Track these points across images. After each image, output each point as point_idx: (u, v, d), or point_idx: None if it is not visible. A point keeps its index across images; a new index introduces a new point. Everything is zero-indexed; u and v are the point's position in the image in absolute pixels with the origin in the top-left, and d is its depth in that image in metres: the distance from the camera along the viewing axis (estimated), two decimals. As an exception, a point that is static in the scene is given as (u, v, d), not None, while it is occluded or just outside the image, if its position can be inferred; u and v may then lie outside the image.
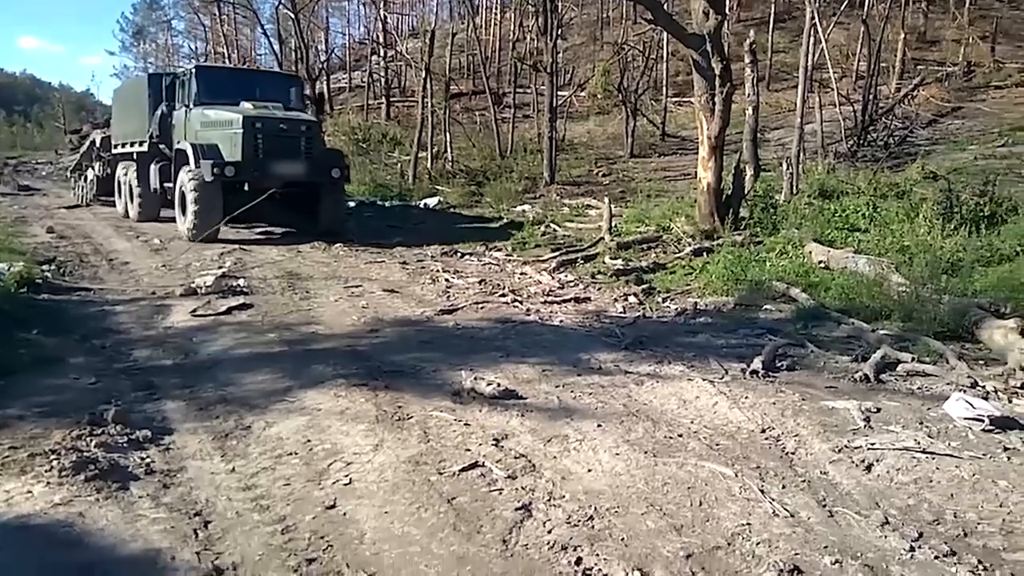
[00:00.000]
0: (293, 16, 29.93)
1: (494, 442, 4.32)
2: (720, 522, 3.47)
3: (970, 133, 21.86)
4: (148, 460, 4.11)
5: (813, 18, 18.85)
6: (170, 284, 8.92)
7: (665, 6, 14.45)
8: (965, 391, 5.11)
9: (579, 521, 3.46)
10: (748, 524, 3.44)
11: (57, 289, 8.50)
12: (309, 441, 4.34)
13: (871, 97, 22.25)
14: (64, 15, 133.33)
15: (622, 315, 7.68)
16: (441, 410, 4.82)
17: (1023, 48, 29.77)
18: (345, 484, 3.83)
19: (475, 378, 5.27)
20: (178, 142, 13.74)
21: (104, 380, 5.40)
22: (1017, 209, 10.46)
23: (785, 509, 3.56)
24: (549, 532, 3.38)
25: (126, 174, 16.40)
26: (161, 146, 14.55)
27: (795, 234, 10.25)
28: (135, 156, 15.92)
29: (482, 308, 7.87)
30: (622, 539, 3.32)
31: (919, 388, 5.37)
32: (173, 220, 14.07)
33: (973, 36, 29.20)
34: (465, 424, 4.59)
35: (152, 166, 14.84)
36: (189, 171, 12.63)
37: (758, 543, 3.29)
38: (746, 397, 5.06)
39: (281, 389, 5.22)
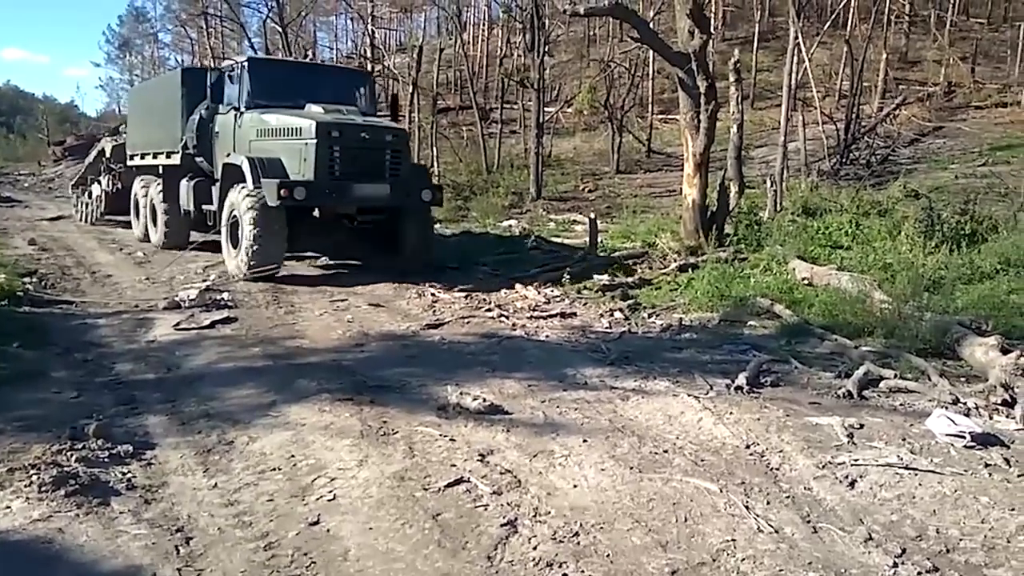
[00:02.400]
0: (281, 30, 29.90)
1: (480, 457, 4.31)
2: (705, 538, 3.47)
3: (951, 152, 22.13)
4: (130, 475, 4.07)
5: (797, 38, 19.07)
6: (153, 297, 8.88)
7: (651, 25, 14.57)
8: (947, 408, 5.14)
9: (565, 537, 3.45)
10: (733, 540, 3.44)
11: (38, 302, 8.43)
12: (293, 456, 4.32)
13: (854, 116, 22.49)
14: (49, 26, 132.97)
15: (608, 330, 7.69)
16: (426, 425, 4.80)
17: (1002, 69, 30.21)
18: (329, 500, 3.81)
19: (461, 393, 5.26)
20: (226, 155, 10.97)
21: (85, 394, 5.37)
22: (997, 227, 10.59)
23: (770, 525, 3.57)
24: (535, 548, 3.37)
25: (146, 191, 14.01)
26: (198, 159, 11.97)
27: (779, 251, 10.31)
28: (160, 170, 13.39)
29: (468, 323, 7.86)
30: (608, 555, 3.31)
31: (902, 404, 5.40)
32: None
33: (953, 57, 29.60)
34: (450, 439, 4.57)
35: (184, 182, 12.23)
36: (246, 192, 9.86)
37: (743, 559, 3.29)
38: (731, 413, 5.07)
39: (265, 404, 5.19)
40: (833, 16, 28.61)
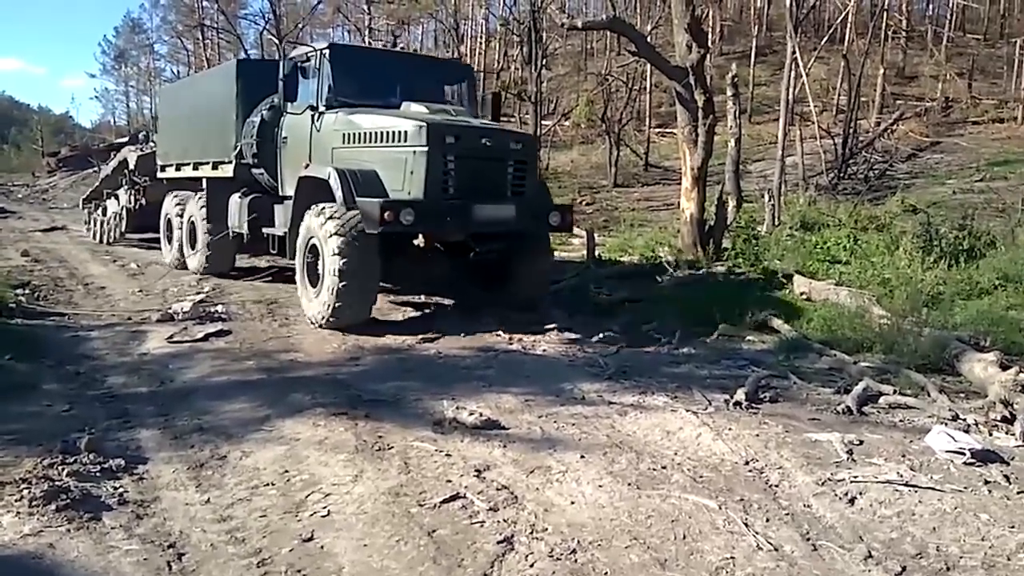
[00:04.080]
0: (277, 42, 29.97)
1: (476, 473, 4.27)
2: (704, 556, 3.43)
3: (948, 167, 22.20)
4: (121, 490, 4.03)
5: (794, 53, 19.14)
6: (147, 310, 8.84)
7: (649, 39, 14.62)
8: (946, 424, 5.12)
9: (562, 554, 3.41)
10: (732, 558, 3.40)
11: (31, 314, 8.39)
12: (287, 471, 4.27)
13: (851, 131, 22.57)
14: (47, 36, 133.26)
15: (605, 345, 7.65)
16: (422, 440, 4.76)
17: (999, 84, 30.37)
18: (323, 516, 3.76)
19: (457, 408, 5.22)
20: (303, 165, 8.81)
21: (77, 407, 5.32)
22: (995, 243, 10.59)
23: (769, 543, 3.53)
24: (531, 566, 3.33)
25: (182, 208, 12.13)
26: (256, 171, 10.02)
27: (777, 265, 10.30)
28: (203, 183, 11.36)
29: (464, 336, 7.82)
30: (605, 573, 3.28)
31: (901, 421, 5.37)
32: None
33: (950, 72, 29.76)
34: (446, 455, 4.53)
35: (236, 199, 10.33)
36: (330, 214, 7.73)
37: (742, 578, 3.25)
38: (729, 429, 5.03)
39: (258, 418, 5.15)
40: (831, 31, 28.75)
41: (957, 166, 22.09)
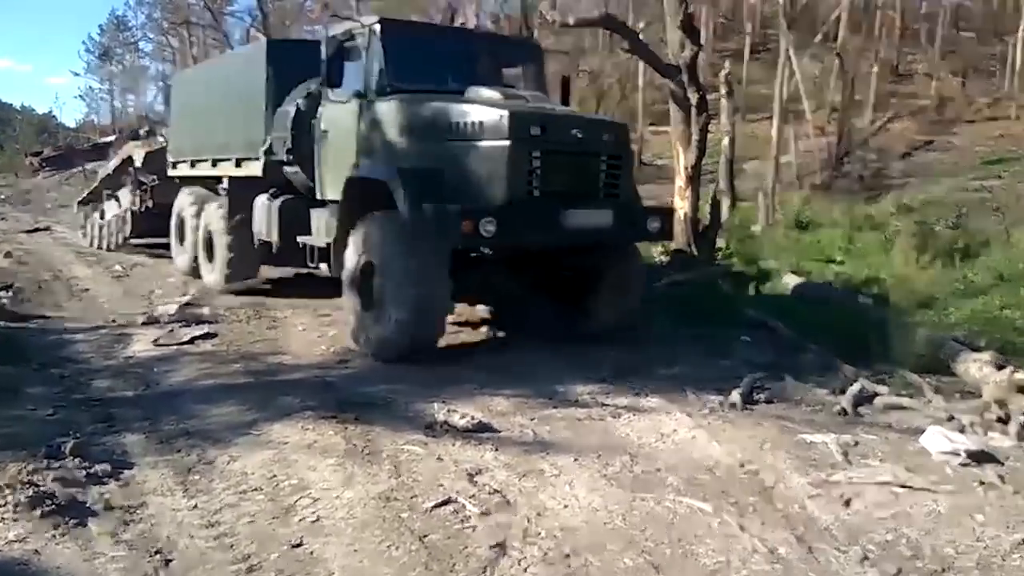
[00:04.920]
0: (265, 39, 29.89)
1: (468, 477, 4.23)
2: (699, 559, 3.41)
3: (943, 166, 22.26)
4: (107, 495, 3.98)
5: (788, 50, 19.15)
6: (132, 312, 8.76)
7: (642, 36, 14.59)
8: (942, 425, 5.10)
9: (555, 559, 3.38)
10: (727, 561, 3.38)
11: (14, 316, 8.32)
12: (275, 476, 4.22)
13: (845, 129, 22.62)
14: (33, 34, 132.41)
15: (599, 344, 7.60)
16: (413, 444, 4.71)
17: (992, 83, 30.47)
18: (312, 521, 3.72)
19: (448, 411, 5.17)
20: (352, 165, 7.32)
21: (62, 411, 5.26)
22: (989, 242, 10.61)
23: (764, 545, 3.51)
24: (525, 571, 3.30)
25: (198, 211, 10.72)
26: (289, 168, 8.61)
27: (772, 264, 10.30)
28: (224, 183, 10.04)
29: (455, 337, 7.77)
30: (599, 578, 3.24)
31: (896, 421, 5.36)
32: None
33: (944, 71, 29.84)
34: (438, 458, 4.49)
35: (263, 201, 9.02)
36: (388, 222, 6.57)
37: (737, 582, 3.23)
38: (724, 430, 5.01)
39: (246, 422, 5.10)
40: (824, 29, 28.80)
41: (951, 164, 22.15)
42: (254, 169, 9.15)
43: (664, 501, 3.96)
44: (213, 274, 10.10)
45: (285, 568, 3.29)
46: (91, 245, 15.84)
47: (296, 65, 8.71)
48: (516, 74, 8.68)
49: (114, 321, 8.38)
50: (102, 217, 15.58)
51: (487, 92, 6.99)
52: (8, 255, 13.54)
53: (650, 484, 4.18)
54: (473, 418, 5.05)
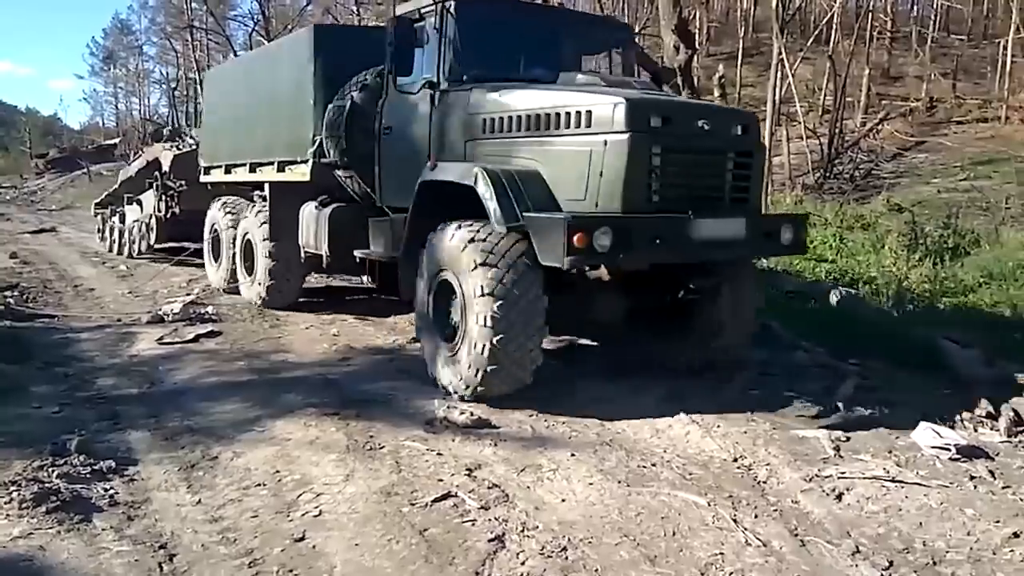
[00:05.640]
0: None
1: (467, 472, 4.28)
2: (694, 552, 3.46)
3: (933, 167, 22.34)
4: (112, 491, 4.02)
5: (780, 53, 19.24)
6: (136, 311, 8.80)
7: (636, 39, 14.66)
8: (932, 420, 5.16)
9: (553, 552, 3.43)
10: (721, 554, 3.44)
11: (20, 315, 8.35)
12: (278, 472, 4.28)
13: (837, 131, 22.70)
14: (35, 38, 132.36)
15: (597, 343, 7.66)
16: (413, 439, 4.77)
17: (982, 85, 30.57)
18: (315, 516, 3.77)
19: (448, 407, 5.23)
20: (428, 165, 6.24)
21: (67, 409, 5.30)
22: (979, 241, 10.70)
23: (758, 539, 3.57)
24: (523, 563, 3.35)
25: (234, 220, 9.85)
26: (342, 172, 7.60)
27: (763, 263, 10.35)
28: (265, 189, 9.09)
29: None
30: (596, 570, 3.30)
31: (887, 417, 5.41)
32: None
33: (935, 73, 29.94)
34: (438, 454, 4.55)
35: (311, 209, 8.07)
36: (480, 237, 5.40)
37: (731, 573, 3.29)
38: (718, 426, 5.06)
39: (249, 419, 5.15)
40: (816, 32, 28.88)
41: (942, 165, 22.23)
42: (300, 173, 8.16)
43: (659, 495, 4.01)
44: (253, 290, 9.26)
45: (288, 562, 3.33)
46: (110, 250, 15.27)
47: (347, 55, 7.68)
48: (596, 61, 7.54)
49: (119, 320, 8.41)
50: (122, 221, 14.93)
51: (585, 78, 6.07)
52: (14, 255, 13.56)
53: (646, 478, 4.24)
54: (472, 414, 5.11)
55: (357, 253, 7.39)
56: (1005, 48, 26.93)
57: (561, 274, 5.37)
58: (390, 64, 6.68)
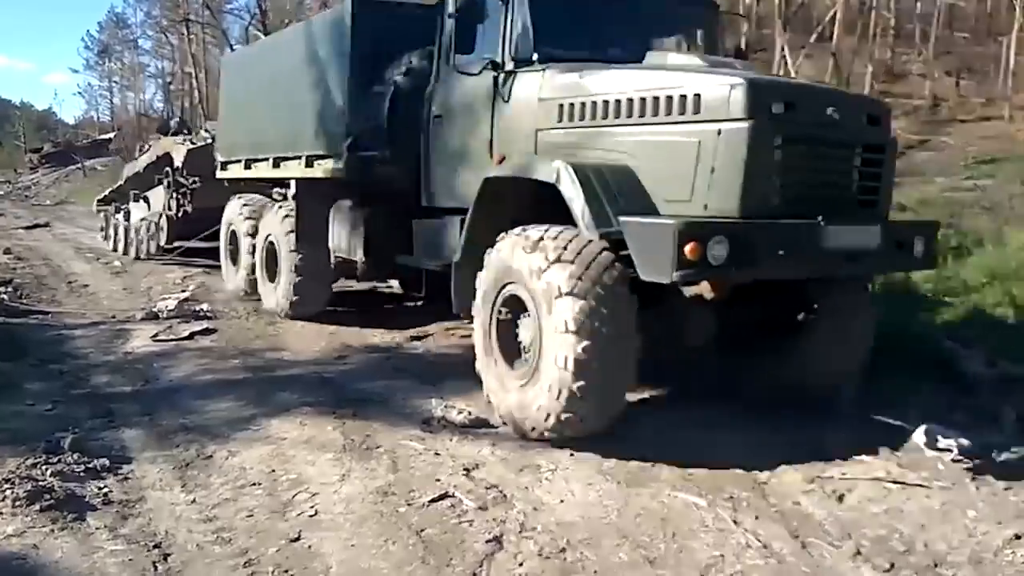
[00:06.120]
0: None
1: (465, 472, 4.26)
2: (694, 554, 3.43)
3: (937, 165, 22.30)
4: (106, 490, 4.00)
5: (783, 50, 19.21)
6: (131, 308, 8.80)
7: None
8: (934, 421, 5.12)
9: (551, 553, 3.41)
10: (722, 556, 3.41)
11: (13, 312, 8.35)
12: (273, 471, 4.26)
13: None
14: (32, 32, 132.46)
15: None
16: (410, 439, 4.74)
17: (986, 83, 30.55)
18: (310, 516, 3.75)
19: (446, 406, 5.20)
20: (497, 159, 5.55)
21: (61, 406, 5.30)
22: (983, 241, 10.64)
23: (758, 540, 3.54)
24: (520, 565, 3.32)
25: (254, 222, 9.07)
26: (385, 168, 6.77)
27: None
28: (294, 187, 8.21)
29: (453, 334, 7.79)
30: (595, 572, 3.27)
31: (890, 418, 5.37)
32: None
33: (938, 71, 29.91)
34: (435, 454, 4.52)
35: (345, 208, 7.37)
36: (563, 249, 4.44)
37: (732, 575, 3.25)
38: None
39: (245, 417, 5.13)
40: (819, 29, 28.86)
41: (945, 164, 22.20)
42: (333, 169, 7.25)
43: (659, 496, 3.99)
44: (275, 298, 8.40)
45: (283, 562, 3.31)
46: (114, 250, 14.60)
47: (389, 34, 6.81)
48: (675, 41, 6.45)
49: (113, 317, 8.41)
50: (127, 219, 14.24)
51: (680, 58, 5.30)
52: (7, 251, 13.57)
53: (645, 479, 4.21)
54: (470, 413, 5.08)
55: (401, 260, 6.73)
56: (1009, 46, 26.89)
57: (649, 286, 4.42)
58: (447, 41, 5.97)
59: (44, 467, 4.13)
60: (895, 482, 4.17)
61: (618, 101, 4.84)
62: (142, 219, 13.52)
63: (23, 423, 4.89)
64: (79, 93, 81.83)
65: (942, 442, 4.64)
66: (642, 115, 4.72)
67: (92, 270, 12.04)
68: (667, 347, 5.20)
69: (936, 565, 3.39)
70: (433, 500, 3.90)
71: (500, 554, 3.40)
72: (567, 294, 4.28)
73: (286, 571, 3.24)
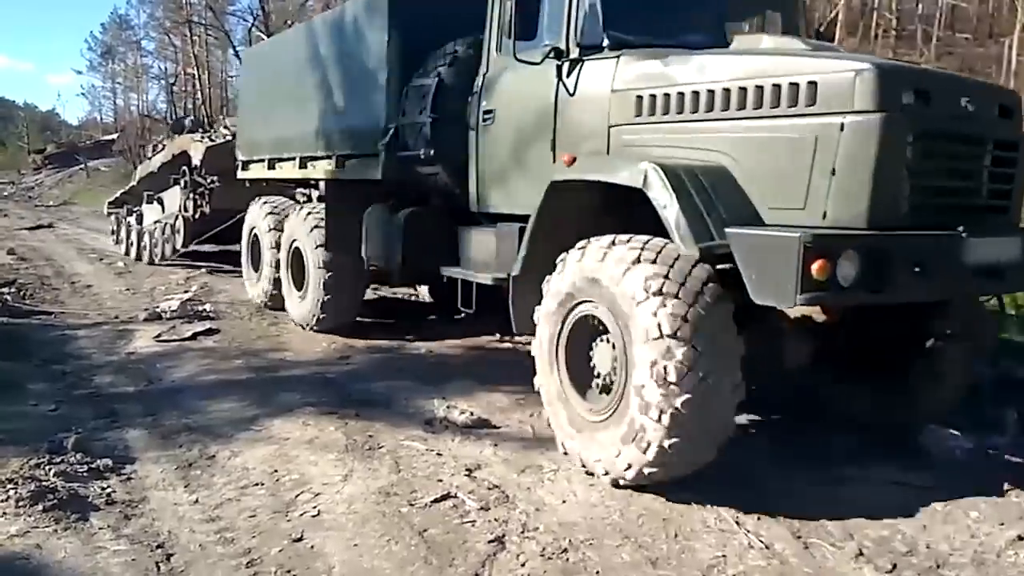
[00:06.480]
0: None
1: (467, 472, 4.26)
2: (696, 554, 3.43)
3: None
4: (109, 490, 4.00)
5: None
6: (134, 308, 8.81)
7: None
8: (936, 423, 5.11)
9: (553, 554, 3.40)
10: (724, 556, 3.41)
11: (17, 312, 8.36)
12: (276, 471, 4.26)
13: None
14: (33, 33, 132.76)
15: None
16: (413, 439, 4.75)
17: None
18: (313, 516, 3.75)
19: (448, 407, 5.21)
20: (564, 159, 4.64)
21: (64, 407, 5.30)
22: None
23: (760, 541, 3.53)
24: (523, 565, 3.32)
25: (279, 225, 8.50)
26: (429, 169, 6.12)
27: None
28: (322, 189, 7.82)
29: (455, 336, 7.79)
30: (597, 572, 3.27)
31: (893, 419, 5.36)
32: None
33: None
34: (437, 454, 4.52)
35: (380, 212, 6.76)
36: (651, 256, 3.87)
37: (734, 575, 3.25)
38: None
39: (248, 417, 5.14)
40: (820, 29, 28.92)
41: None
42: (367, 170, 6.72)
43: (661, 497, 3.97)
44: (302, 308, 7.85)
45: (286, 562, 3.31)
46: (126, 254, 14.02)
47: (431, 20, 6.22)
48: (754, 25, 5.93)
49: (116, 317, 8.42)
50: (139, 222, 13.70)
51: (777, 41, 4.58)
52: (11, 252, 13.59)
53: (647, 480, 4.21)
54: (472, 414, 5.09)
55: (446, 272, 6.03)
56: (1011, 47, 26.91)
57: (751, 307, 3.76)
58: (502, 27, 5.38)
59: (47, 467, 4.13)
60: (897, 483, 4.16)
61: (711, 92, 4.18)
62: (156, 222, 13.03)
63: (26, 423, 4.90)
64: (82, 94, 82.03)
65: (945, 443, 4.65)
66: (741, 107, 4.06)
67: (95, 271, 12.05)
68: (761, 371, 4.29)
69: (939, 566, 3.38)
70: (435, 500, 3.90)
71: (502, 554, 3.40)
72: (669, 336, 3.64)
73: (289, 571, 3.24)
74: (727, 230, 3.76)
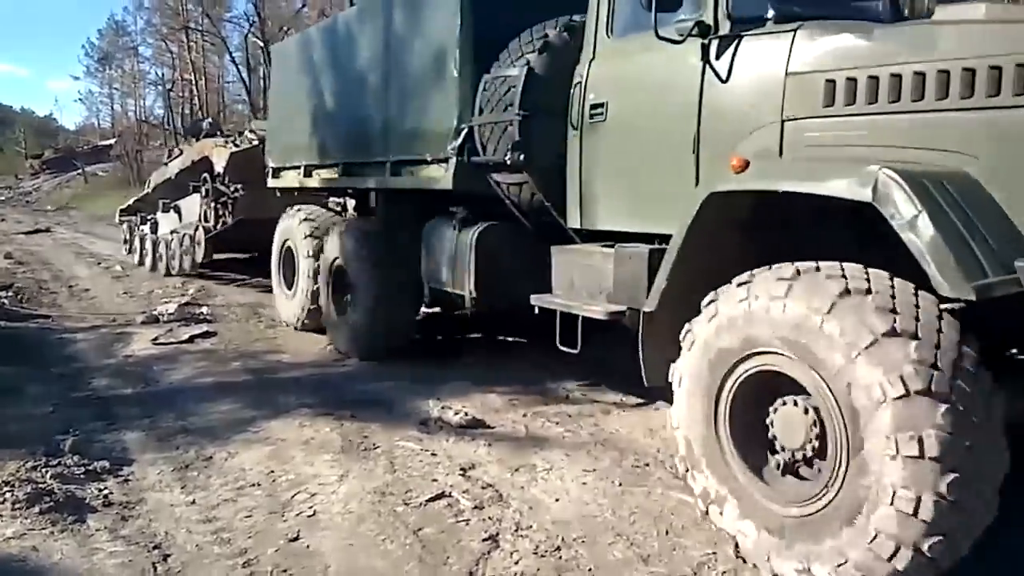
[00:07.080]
0: (262, 45, 29.93)
1: (461, 472, 4.28)
2: (687, 551, 3.45)
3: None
4: (106, 492, 4.02)
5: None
6: (131, 312, 8.82)
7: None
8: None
9: (547, 552, 3.43)
10: (714, 553, 3.42)
11: (14, 316, 8.37)
12: (272, 472, 4.28)
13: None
14: (31, 38, 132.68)
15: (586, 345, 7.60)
16: (408, 440, 4.77)
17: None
18: (309, 516, 3.77)
19: (442, 407, 5.24)
20: (740, 173, 3.51)
21: (61, 409, 5.32)
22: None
23: (751, 538, 3.55)
24: (516, 563, 3.34)
25: (317, 240, 7.52)
26: (511, 176, 5.08)
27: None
28: (373, 199, 7.36)
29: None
30: (589, 569, 3.29)
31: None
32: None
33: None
34: (432, 454, 4.55)
35: (447, 228, 5.88)
36: (879, 290, 2.80)
37: (724, 572, 3.28)
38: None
39: (244, 419, 5.16)
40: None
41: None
42: (435, 178, 5.83)
43: (653, 495, 4.00)
44: (343, 334, 7.00)
45: (282, 562, 3.33)
46: (140, 264, 13.22)
47: (511, 2, 5.32)
48: None
49: (114, 320, 8.43)
50: (154, 231, 12.89)
51: (998, 9, 3.41)
52: (8, 256, 13.60)
53: (639, 478, 4.22)
54: (467, 414, 5.11)
55: (537, 302, 4.88)
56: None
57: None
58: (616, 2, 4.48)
59: (44, 469, 4.15)
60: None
61: (944, 73, 3.11)
62: (173, 232, 12.13)
63: (24, 426, 4.91)
64: (80, 99, 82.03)
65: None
66: (993, 94, 2.99)
67: (93, 274, 12.06)
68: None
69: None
70: (430, 500, 3.92)
71: (496, 552, 3.43)
72: (918, 393, 2.62)
73: (285, 571, 3.26)
74: (1018, 263, 2.69)
